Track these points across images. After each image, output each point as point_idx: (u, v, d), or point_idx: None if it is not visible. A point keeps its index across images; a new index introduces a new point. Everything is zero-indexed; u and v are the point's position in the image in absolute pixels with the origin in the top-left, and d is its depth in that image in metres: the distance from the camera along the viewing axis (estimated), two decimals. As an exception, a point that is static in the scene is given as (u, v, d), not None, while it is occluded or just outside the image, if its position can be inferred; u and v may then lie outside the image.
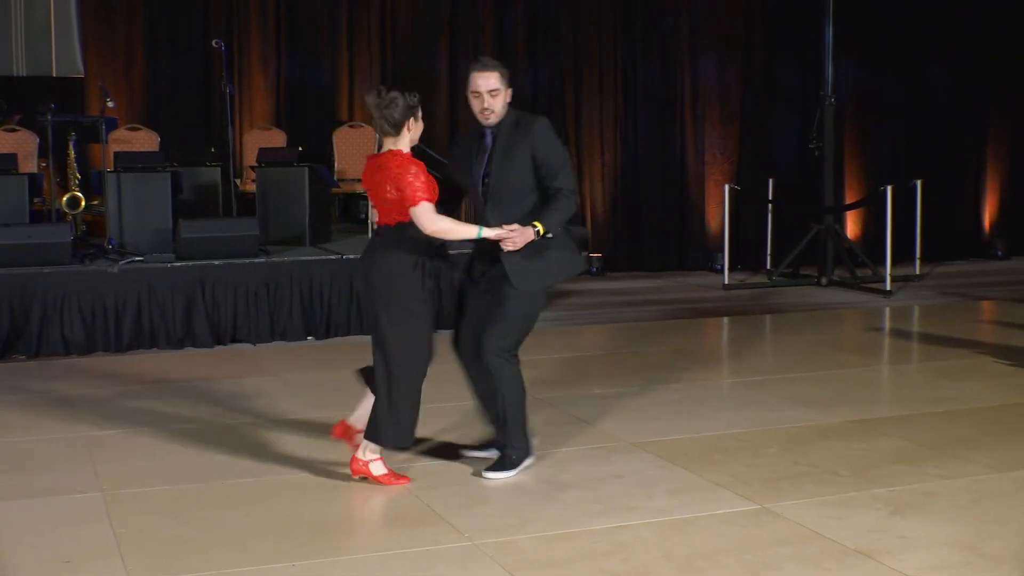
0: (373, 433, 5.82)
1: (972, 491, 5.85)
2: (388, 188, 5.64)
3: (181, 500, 5.75)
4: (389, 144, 5.75)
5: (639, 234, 14.72)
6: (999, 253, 16.19)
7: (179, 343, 9.60)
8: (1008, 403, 7.81)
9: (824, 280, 13.48)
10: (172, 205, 10.50)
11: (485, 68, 5.88)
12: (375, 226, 5.96)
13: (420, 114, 5.78)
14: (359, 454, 5.91)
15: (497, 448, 6.19)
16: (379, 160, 5.77)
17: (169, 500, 5.75)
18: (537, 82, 14.32)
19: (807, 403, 7.69)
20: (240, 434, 6.93)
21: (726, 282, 13.19)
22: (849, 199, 15.15)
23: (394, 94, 5.68)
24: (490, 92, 5.85)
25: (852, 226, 15.35)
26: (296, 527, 5.35)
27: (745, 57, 15.11)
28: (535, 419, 7.18)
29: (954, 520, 5.42)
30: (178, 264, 9.69)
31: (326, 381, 8.34)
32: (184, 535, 5.24)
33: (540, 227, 5.74)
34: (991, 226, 16.53)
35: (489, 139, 5.93)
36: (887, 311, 11.85)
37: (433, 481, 5.99)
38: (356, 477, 5.93)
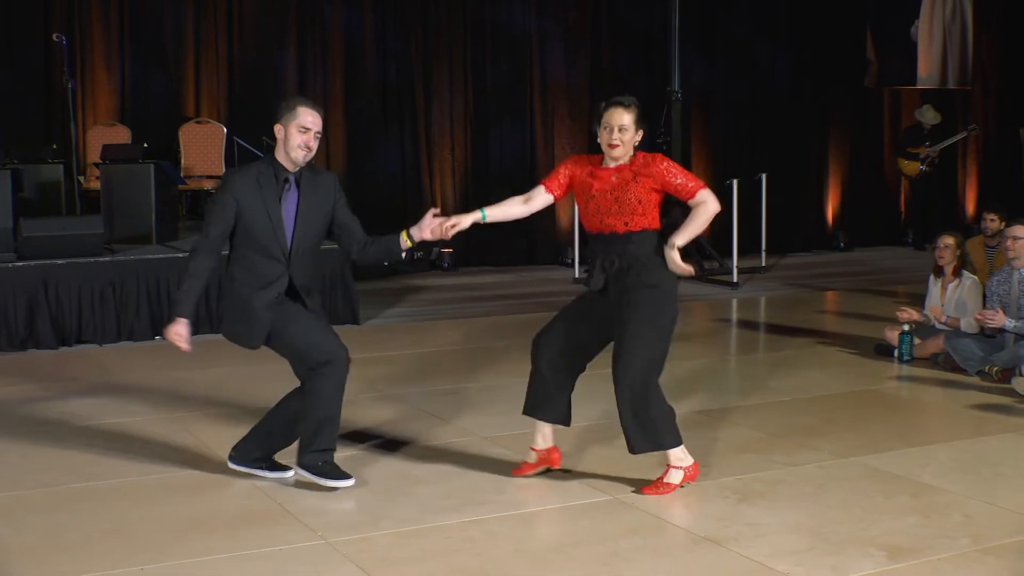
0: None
1: (817, 478, 5.98)
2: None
3: (24, 506, 5.61)
4: None
5: (489, 229, 14.69)
6: (841, 244, 16.61)
7: (21, 345, 9.36)
8: (851, 390, 8.01)
9: (673, 273, 13.64)
10: (13, 203, 10.21)
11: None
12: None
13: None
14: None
15: None
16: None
17: (11, 506, 5.60)
18: (387, 79, 14.29)
19: (657, 395, 7.78)
20: (87, 436, 6.79)
21: (577, 276, 13.30)
22: (696, 193, 15.34)
23: None
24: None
25: (699, 219, 15.55)
26: (145, 530, 5.26)
27: (592, 53, 15.26)
28: (385, 414, 7.18)
29: (800, 506, 5.53)
30: (20, 264, 9.45)
31: (174, 381, 8.21)
32: (27, 542, 5.11)
33: None
34: (833, 218, 16.94)
35: (293, 188, 5.68)
36: (734, 302, 12.06)
37: (284, 481, 5.92)
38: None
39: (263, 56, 13.79)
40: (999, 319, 8.14)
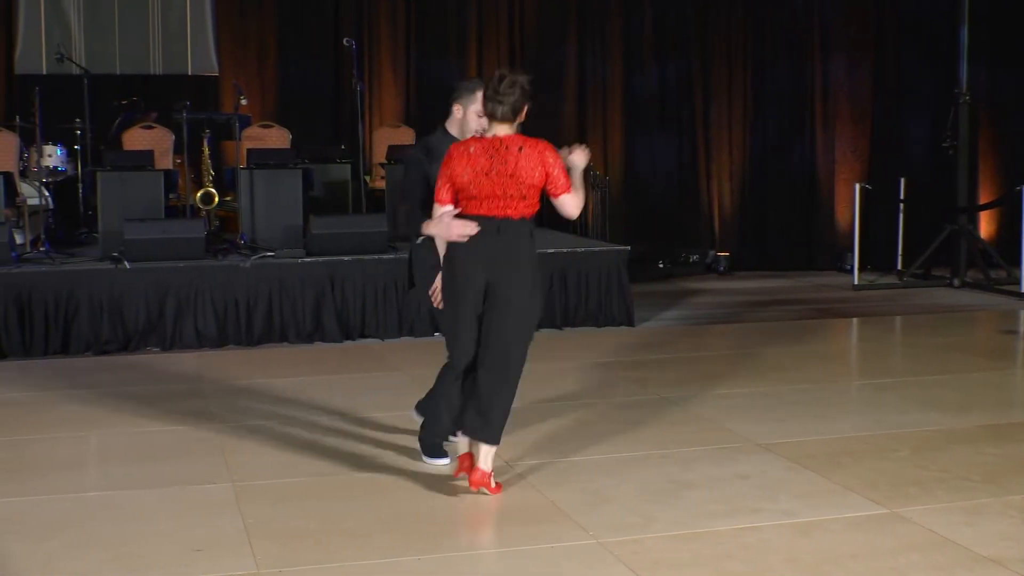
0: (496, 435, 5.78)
1: (1110, 500, 5.71)
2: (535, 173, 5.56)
3: (308, 492, 5.83)
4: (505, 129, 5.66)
5: (766, 233, 14.64)
6: None
7: (309, 338, 9.72)
8: None
9: (957, 281, 13.24)
10: (303, 201, 10.66)
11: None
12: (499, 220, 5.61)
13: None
14: (483, 465, 5.77)
15: None
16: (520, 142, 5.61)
17: (297, 492, 5.83)
18: (665, 81, 14.32)
19: (937, 407, 7.56)
20: (367, 428, 7.01)
21: (856, 282, 13.02)
22: (983, 199, 14.86)
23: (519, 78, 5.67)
24: None
25: (986, 226, 15.05)
26: (420, 521, 5.39)
27: (876, 56, 14.93)
28: (661, 418, 7.18)
29: (1091, 529, 5.29)
30: (308, 260, 9.82)
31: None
32: (311, 527, 5.31)
33: None
34: None
35: None
36: (1022, 314, 11.61)
37: (557, 478, 5.98)
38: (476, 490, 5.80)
39: (544, 54, 13.99)
40: None
